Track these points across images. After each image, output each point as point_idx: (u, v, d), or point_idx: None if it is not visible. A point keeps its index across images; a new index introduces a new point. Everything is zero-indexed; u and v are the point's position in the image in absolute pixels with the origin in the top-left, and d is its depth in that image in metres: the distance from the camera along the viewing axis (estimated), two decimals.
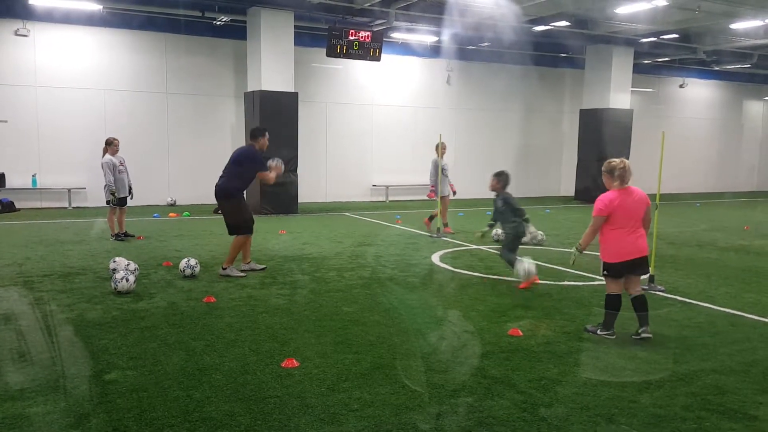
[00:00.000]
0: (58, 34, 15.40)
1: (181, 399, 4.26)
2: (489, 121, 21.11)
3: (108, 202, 10.83)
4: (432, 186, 12.23)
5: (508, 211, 7.77)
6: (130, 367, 4.82)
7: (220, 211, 7.92)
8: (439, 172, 11.99)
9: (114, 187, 10.69)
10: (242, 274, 8.15)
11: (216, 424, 3.90)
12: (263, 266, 8.59)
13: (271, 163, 8.25)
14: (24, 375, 4.61)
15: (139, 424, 3.89)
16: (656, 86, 24.46)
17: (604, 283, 7.94)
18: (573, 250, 5.91)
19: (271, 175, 8.19)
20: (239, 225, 8.14)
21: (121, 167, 10.89)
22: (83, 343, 5.37)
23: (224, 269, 8.09)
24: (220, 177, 8.22)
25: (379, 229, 13.05)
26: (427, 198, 13.06)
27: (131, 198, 11.27)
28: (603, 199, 5.60)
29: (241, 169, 8.18)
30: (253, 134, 8.40)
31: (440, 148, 12.11)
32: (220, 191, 8.12)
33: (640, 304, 5.67)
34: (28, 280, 7.69)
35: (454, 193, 12.59)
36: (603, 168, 5.77)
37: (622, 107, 20.18)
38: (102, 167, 10.74)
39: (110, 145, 10.84)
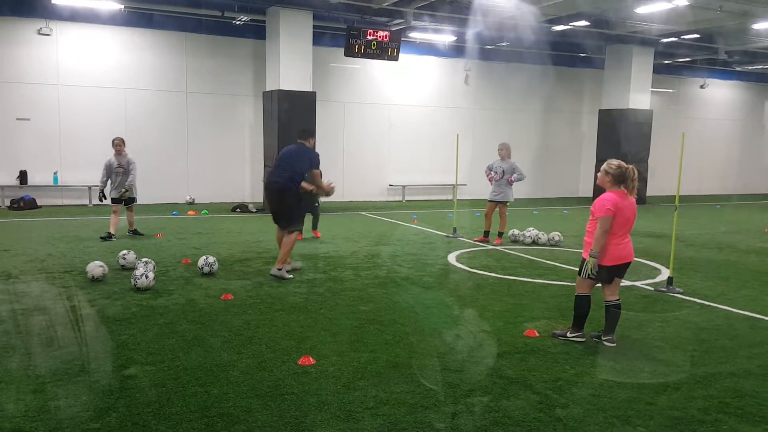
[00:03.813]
0: (80, 33, 15.60)
1: (199, 395, 4.31)
2: (507, 121, 21.01)
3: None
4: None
5: None
6: (149, 363, 4.88)
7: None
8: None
9: (103, 186, 10.89)
10: (291, 276, 8.03)
11: (233, 420, 3.94)
12: (300, 265, 8.61)
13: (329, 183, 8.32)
14: (46, 369, 4.69)
15: (157, 418, 3.94)
16: (677, 87, 24.21)
17: (622, 285, 7.91)
18: (589, 259, 5.41)
19: (324, 185, 8.19)
20: (300, 221, 8.26)
21: (119, 168, 10.87)
22: (103, 339, 5.45)
23: (279, 270, 7.91)
24: (275, 174, 8.02)
25: (396, 229, 13.07)
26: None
27: (131, 197, 11.00)
28: (609, 198, 5.38)
29: (303, 167, 8.00)
30: (307, 134, 8.43)
31: (500, 150, 11.39)
32: (284, 188, 7.89)
33: (615, 311, 5.57)
34: (49, 276, 7.80)
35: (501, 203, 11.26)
36: (610, 170, 5.45)
37: (642, 108, 20.00)
38: None
39: (112, 146, 11.03)
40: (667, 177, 20.97)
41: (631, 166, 5.51)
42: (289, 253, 8.04)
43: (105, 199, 11.00)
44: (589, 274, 5.44)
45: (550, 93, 21.44)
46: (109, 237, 10.69)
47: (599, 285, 5.63)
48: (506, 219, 11.36)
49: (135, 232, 11.28)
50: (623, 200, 5.42)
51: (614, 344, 5.53)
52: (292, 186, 7.88)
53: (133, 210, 11.36)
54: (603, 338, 5.59)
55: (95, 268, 7.65)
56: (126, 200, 11.01)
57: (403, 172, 19.65)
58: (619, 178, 5.47)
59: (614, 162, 5.54)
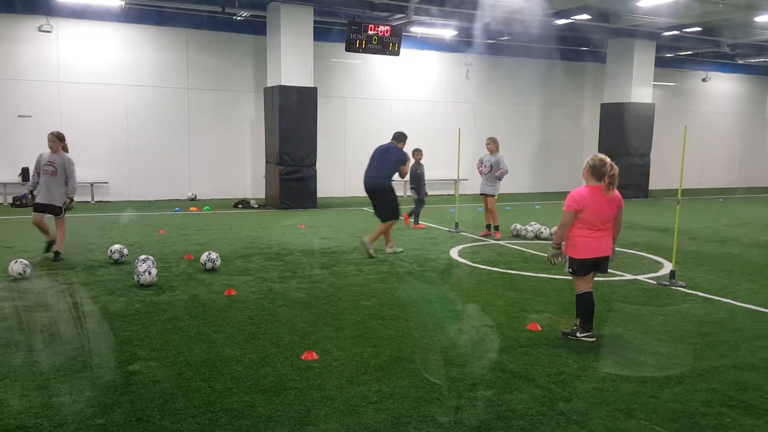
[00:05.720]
0: (80, 29, 15.58)
1: (202, 390, 4.32)
2: (509, 116, 20.97)
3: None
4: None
5: None
6: (152, 359, 4.90)
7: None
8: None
9: (31, 186, 8.83)
10: (395, 250, 9.56)
11: (237, 415, 3.95)
12: (401, 249, 9.71)
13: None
14: (50, 365, 4.70)
15: (161, 414, 3.95)
16: (679, 80, 24.14)
17: (624, 278, 7.93)
18: (549, 249, 5.68)
19: (406, 169, 9.43)
20: (395, 212, 9.37)
21: (48, 166, 8.61)
22: (107, 335, 5.46)
23: (370, 243, 9.21)
24: (371, 172, 9.26)
25: (398, 224, 13.02)
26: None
27: (63, 208, 8.71)
28: (574, 194, 5.41)
29: (394, 165, 9.24)
30: (401, 137, 9.60)
31: (488, 144, 11.47)
32: (382, 185, 9.21)
33: (579, 300, 5.58)
34: (51, 273, 7.81)
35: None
36: (590, 161, 5.43)
37: (644, 101, 19.95)
38: None
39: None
40: (669, 170, 20.99)
41: (609, 162, 5.39)
42: (382, 233, 9.36)
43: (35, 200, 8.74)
44: (548, 261, 5.70)
45: (552, 87, 21.38)
46: (50, 247, 8.80)
47: (599, 279, 5.61)
48: (497, 213, 11.41)
49: (56, 255, 8.63)
50: (594, 196, 5.36)
51: (593, 339, 5.49)
52: (383, 182, 9.21)
53: (63, 226, 8.77)
54: (578, 335, 5.55)
55: (16, 265, 7.47)
56: (55, 211, 8.65)
57: None
58: (595, 172, 5.39)
59: (599, 156, 5.47)
